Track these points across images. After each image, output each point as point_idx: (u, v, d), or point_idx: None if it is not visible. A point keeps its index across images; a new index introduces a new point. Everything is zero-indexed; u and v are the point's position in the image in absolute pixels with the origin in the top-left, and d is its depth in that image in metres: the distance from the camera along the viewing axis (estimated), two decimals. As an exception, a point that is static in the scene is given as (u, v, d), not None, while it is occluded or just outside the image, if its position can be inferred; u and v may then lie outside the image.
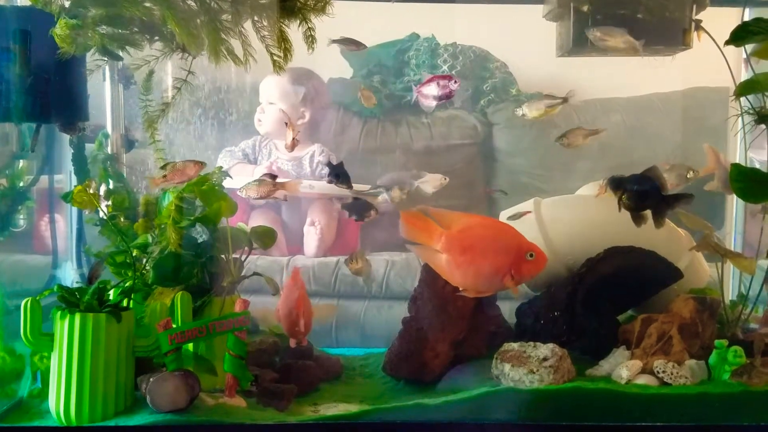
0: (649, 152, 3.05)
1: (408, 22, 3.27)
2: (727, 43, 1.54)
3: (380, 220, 2.86)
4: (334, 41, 1.92)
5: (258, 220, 2.67)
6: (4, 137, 1.88)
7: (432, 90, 1.84)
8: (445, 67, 3.38)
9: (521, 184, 3.17)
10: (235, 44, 1.54)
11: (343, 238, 2.80)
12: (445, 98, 1.85)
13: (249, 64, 1.53)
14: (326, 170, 2.83)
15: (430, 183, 2.03)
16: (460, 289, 1.52)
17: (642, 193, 1.54)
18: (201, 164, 1.57)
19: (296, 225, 2.77)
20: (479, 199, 3.22)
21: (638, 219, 1.55)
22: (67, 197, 1.57)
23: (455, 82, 1.85)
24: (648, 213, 1.54)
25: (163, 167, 1.57)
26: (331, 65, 3.31)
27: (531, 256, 1.47)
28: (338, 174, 1.89)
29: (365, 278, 2.44)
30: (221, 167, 1.70)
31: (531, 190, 3.01)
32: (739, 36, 1.52)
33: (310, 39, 1.47)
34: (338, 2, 1.58)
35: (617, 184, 1.58)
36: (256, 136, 2.91)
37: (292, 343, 1.76)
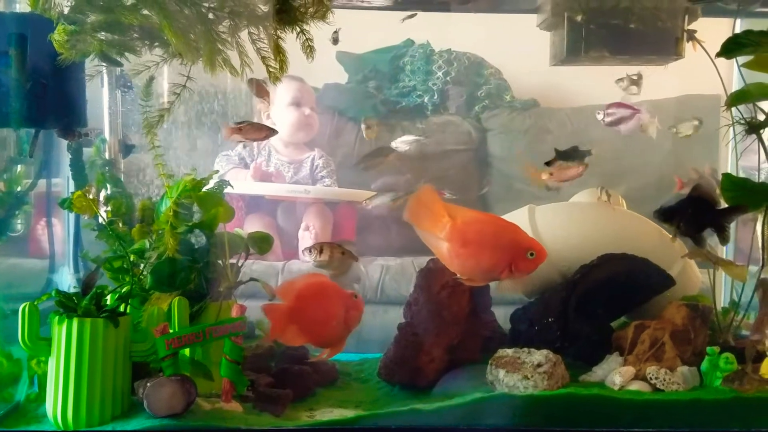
0: (641, 159, 3.07)
1: (403, 29, 3.29)
2: (718, 55, 1.56)
3: (375, 224, 2.86)
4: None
5: (253, 224, 2.67)
6: (1, 142, 1.89)
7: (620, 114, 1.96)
8: (439, 74, 3.40)
9: (515, 190, 3.18)
10: (231, 53, 1.55)
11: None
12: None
13: (245, 73, 1.54)
14: (324, 173, 2.88)
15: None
16: (456, 274, 1.52)
17: (698, 216, 1.49)
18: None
19: (291, 229, 2.77)
20: (473, 204, 3.23)
21: (700, 241, 1.50)
22: (65, 204, 1.57)
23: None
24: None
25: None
26: (327, 71, 3.32)
27: (531, 255, 1.48)
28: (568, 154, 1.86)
29: (353, 280, 2.33)
30: (216, 171, 1.71)
31: (525, 196, 3.01)
32: (729, 48, 1.53)
33: (308, 49, 1.48)
34: (335, 9, 1.59)
35: (670, 215, 1.51)
36: (253, 139, 2.91)
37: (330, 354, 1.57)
